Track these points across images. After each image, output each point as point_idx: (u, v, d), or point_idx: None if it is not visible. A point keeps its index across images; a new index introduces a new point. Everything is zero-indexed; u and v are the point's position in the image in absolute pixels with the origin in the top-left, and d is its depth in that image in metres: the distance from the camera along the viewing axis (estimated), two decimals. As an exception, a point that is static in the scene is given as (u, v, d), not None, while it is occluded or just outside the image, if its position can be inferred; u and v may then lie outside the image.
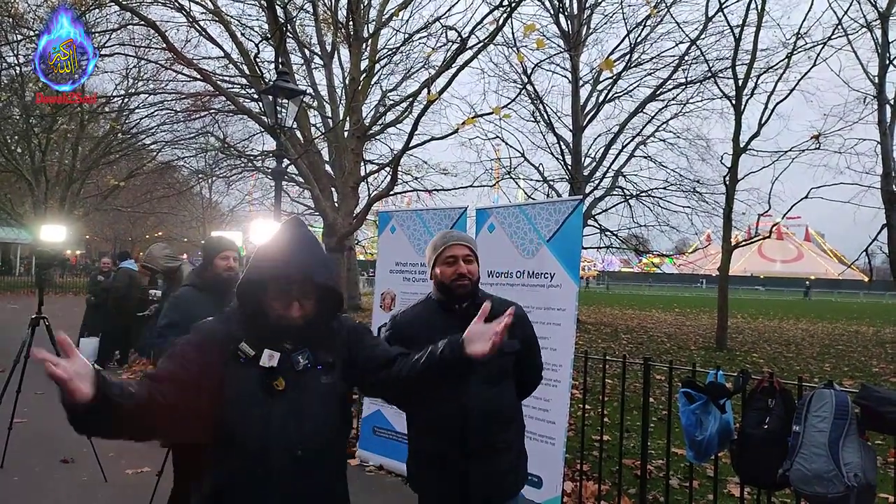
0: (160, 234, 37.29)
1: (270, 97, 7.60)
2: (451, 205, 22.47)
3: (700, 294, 51.50)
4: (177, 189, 25.48)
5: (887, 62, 17.32)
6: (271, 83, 7.80)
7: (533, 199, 21.49)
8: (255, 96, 13.09)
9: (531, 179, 21.20)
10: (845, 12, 15.38)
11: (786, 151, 14.20)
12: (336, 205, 13.13)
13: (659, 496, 4.10)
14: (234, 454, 1.57)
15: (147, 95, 18.39)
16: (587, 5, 19.72)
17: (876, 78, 17.43)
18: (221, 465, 1.59)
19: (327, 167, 15.03)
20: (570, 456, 4.29)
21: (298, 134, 13.12)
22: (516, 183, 21.30)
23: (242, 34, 13.75)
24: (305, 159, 11.94)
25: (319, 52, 15.21)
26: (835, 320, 24.40)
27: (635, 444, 4.95)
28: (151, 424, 1.47)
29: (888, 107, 17.37)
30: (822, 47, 14.79)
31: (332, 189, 14.09)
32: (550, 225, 4.27)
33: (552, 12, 19.26)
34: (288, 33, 12.14)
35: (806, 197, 13.40)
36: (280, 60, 9.11)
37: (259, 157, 18.35)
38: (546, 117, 19.25)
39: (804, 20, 15.05)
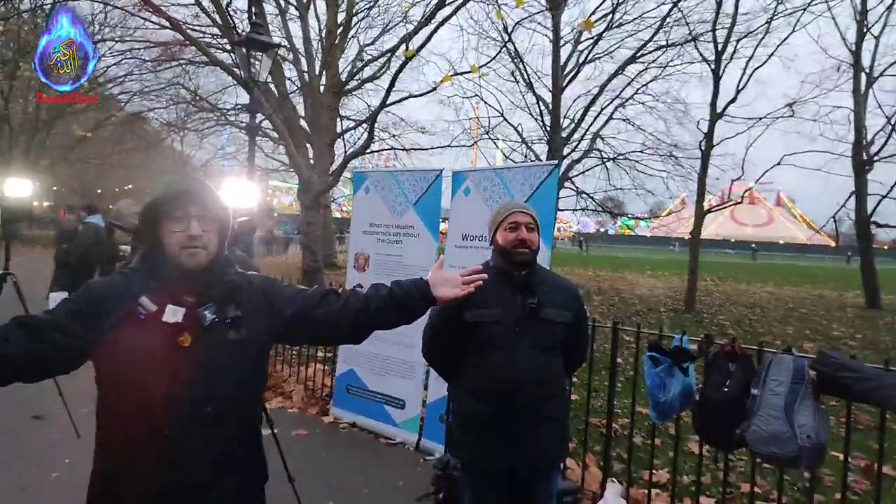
0: (130, 186, 36.44)
1: (243, 50, 7.40)
2: (428, 163, 22.35)
3: (673, 257, 52.28)
4: (147, 142, 24.81)
5: (865, 30, 17.46)
6: (244, 34, 7.57)
7: (511, 159, 21.45)
8: (228, 47, 12.69)
9: (509, 140, 21.13)
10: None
11: (761, 118, 14.33)
12: (311, 161, 12.95)
13: (623, 453, 4.24)
14: (133, 414, 1.51)
15: (114, 43, 17.68)
16: (570, -37, 19.37)
17: (853, 45, 17.60)
18: (115, 429, 1.55)
19: (303, 123, 14.75)
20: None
21: (273, 88, 12.81)
22: (494, 143, 21.20)
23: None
24: (280, 114, 11.70)
25: (295, 3, 14.73)
26: (800, 284, 25.07)
27: (602, 403, 5.09)
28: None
29: (863, 75, 17.59)
30: (802, 13, 14.80)
31: (308, 145, 13.87)
32: (525, 189, 4.27)
33: (535, -32, 18.87)
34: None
35: (778, 164, 13.64)
36: (253, 10, 8.82)
37: (232, 111, 17.91)
38: (526, 77, 19.06)
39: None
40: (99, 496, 1.59)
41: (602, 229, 75.91)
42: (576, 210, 22.67)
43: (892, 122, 16.61)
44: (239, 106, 17.45)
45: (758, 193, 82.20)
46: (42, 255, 16.76)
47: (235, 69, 10.31)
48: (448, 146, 17.04)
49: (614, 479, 3.62)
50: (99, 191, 39.85)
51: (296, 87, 14.73)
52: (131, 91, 20.49)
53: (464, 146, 17.40)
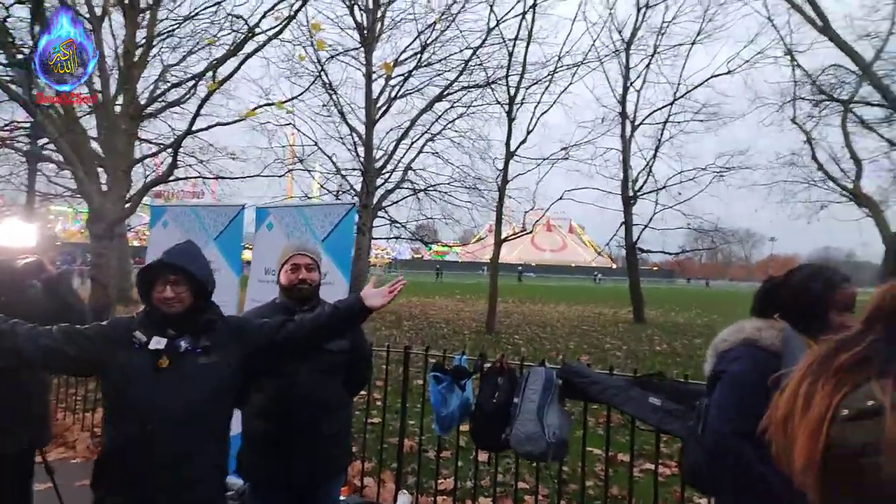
0: None
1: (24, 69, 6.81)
2: (238, 189, 21.63)
3: (482, 281, 55.66)
4: None
5: (628, 84, 20.64)
6: (25, 50, 6.97)
7: (326, 188, 21.68)
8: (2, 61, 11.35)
9: (324, 169, 21.31)
10: (598, 37, 18.00)
11: (545, 159, 16.25)
12: (105, 188, 11.98)
13: (418, 469, 4.65)
14: (127, 415, 2.07)
15: None
16: (382, 2, 20.24)
17: (620, 97, 20.69)
18: (117, 425, 2.11)
19: (95, 146, 13.55)
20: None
21: (59, 107, 11.69)
22: (309, 173, 21.22)
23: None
24: (67, 137, 10.72)
25: (87, 15, 13.59)
26: (586, 303, 28.26)
27: (405, 423, 5.48)
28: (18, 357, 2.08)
29: (628, 122, 20.73)
30: (578, 67, 17.12)
31: (101, 170, 12.79)
32: (325, 226, 4.57)
33: (347, 4, 19.45)
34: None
35: (560, 199, 15.54)
36: (36, 27, 8.09)
37: (5, 129, 15.83)
38: (339, 108, 19.46)
39: (565, 42, 17.32)
40: (103, 472, 2.13)
41: (417, 256, 78.56)
42: (389, 238, 23.45)
43: (650, 163, 19.77)
44: (14, 124, 15.50)
45: (554, 222, 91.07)
46: None
47: (12, 86, 9.31)
48: (259, 175, 16.70)
49: (405, 491, 4.01)
50: None
51: (89, 109, 13.53)
52: None
53: (277, 175, 17.15)
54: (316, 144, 19.77)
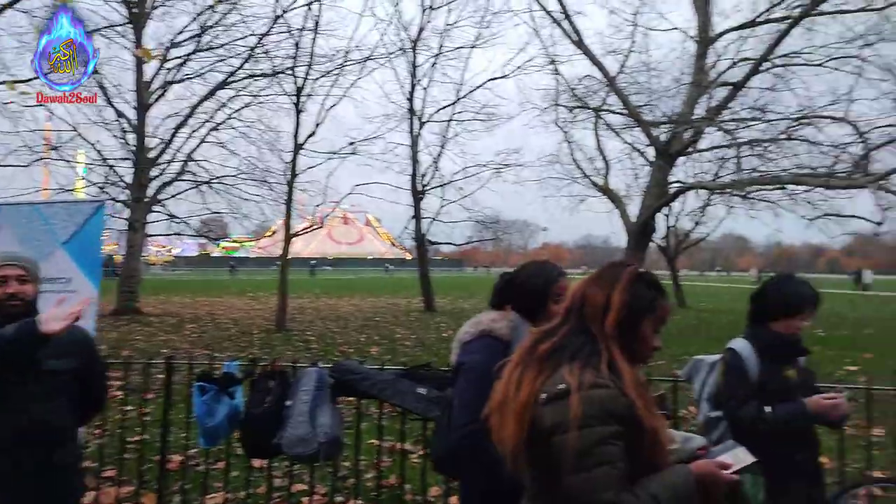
0: None
1: None
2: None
3: (277, 277, 53.89)
4: None
5: (416, 82, 21.38)
6: None
7: (89, 180, 19.30)
8: None
9: (88, 159, 18.94)
10: (385, 33, 18.26)
11: (334, 153, 16.22)
12: None
13: (185, 485, 4.35)
14: None
15: None
16: (151, -26, 18.42)
17: (409, 94, 21.36)
18: None
19: None
20: (95, 464, 4.18)
21: None
22: (68, 162, 18.67)
23: None
24: None
25: None
26: (381, 295, 28.84)
27: (175, 438, 5.09)
28: None
29: (416, 119, 21.49)
30: (366, 62, 17.30)
31: None
32: (69, 227, 4.07)
33: (110, -28, 17.37)
34: None
35: (350, 193, 15.66)
36: None
37: None
38: (103, 89, 17.36)
39: (353, 36, 17.37)
40: None
41: (205, 252, 73.52)
42: (169, 235, 21.62)
43: (437, 160, 20.76)
44: None
45: (351, 215, 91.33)
46: None
47: None
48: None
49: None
50: None
51: None
52: None
53: (22, 165, 14.78)
54: (75, 129, 17.47)
